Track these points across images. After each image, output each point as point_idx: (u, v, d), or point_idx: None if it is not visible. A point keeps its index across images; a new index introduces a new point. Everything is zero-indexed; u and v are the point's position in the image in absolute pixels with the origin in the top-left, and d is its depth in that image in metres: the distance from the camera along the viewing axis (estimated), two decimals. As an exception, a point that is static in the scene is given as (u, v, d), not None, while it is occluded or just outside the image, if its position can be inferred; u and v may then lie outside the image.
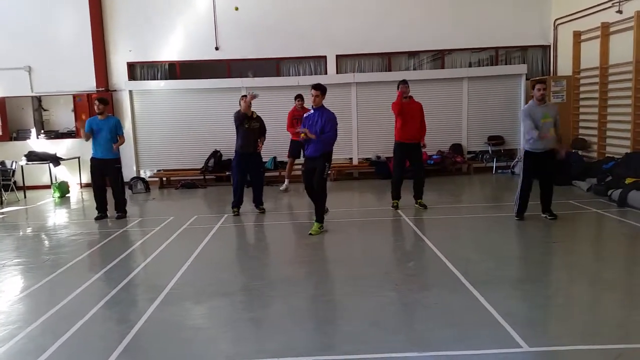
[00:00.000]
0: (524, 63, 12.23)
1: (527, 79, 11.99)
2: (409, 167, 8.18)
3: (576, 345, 3.51)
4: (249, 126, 8.13)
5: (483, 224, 7.35)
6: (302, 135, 6.78)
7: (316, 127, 6.77)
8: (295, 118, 9.69)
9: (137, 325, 4.07)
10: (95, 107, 8.22)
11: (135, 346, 3.75)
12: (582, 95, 10.97)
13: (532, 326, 3.81)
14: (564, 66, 11.56)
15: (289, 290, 4.83)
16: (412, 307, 4.36)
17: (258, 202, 8.43)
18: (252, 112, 8.18)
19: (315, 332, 3.95)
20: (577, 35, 10.82)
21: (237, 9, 11.67)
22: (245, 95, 8.16)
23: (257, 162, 8.43)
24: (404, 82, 7.90)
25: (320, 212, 6.97)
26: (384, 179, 11.10)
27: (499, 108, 12.16)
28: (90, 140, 8.23)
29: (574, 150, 10.47)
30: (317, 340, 3.80)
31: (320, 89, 6.84)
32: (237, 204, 8.23)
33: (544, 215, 7.13)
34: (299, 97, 10.14)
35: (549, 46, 12.20)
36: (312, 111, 6.99)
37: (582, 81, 10.96)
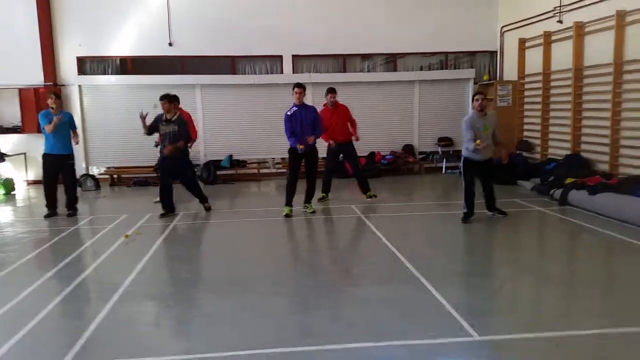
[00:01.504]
0: (472, 68, 12.72)
1: (475, 83, 12.50)
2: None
3: (522, 334, 3.75)
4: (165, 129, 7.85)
5: (434, 221, 7.65)
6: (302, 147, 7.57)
7: (308, 121, 7.69)
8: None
9: (93, 323, 4.03)
10: (51, 102, 7.98)
11: (93, 343, 3.72)
12: (526, 100, 11.52)
13: (481, 317, 4.03)
14: (510, 71, 12.11)
15: (245, 286, 4.89)
16: (368, 301, 4.51)
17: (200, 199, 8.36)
18: (172, 115, 7.86)
19: (273, 325, 4.02)
20: (522, 42, 11.36)
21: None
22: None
23: (177, 166, 7.98)
24: (331, 91, 8.46)
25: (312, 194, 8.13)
26: (339, 178, 11.29)
27: (449, 110, 12.59)
28: (42, 135, 8.02)
29: (518, 152, 10.99)
30: (276, 333, 3.87)
31: (304, 86, 7.91)
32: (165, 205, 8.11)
33: (492, 214, 7.43)
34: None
35: (496, 52, 12.74)
36: (295, 108, 7.71)
37: (526, 86, 11.51)
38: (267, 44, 12.16)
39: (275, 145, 11.69)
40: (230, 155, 11.99)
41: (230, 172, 11.83)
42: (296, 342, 3.72)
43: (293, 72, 12.36)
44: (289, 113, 7.75)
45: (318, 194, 8.53)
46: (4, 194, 10.54)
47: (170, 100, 7.83)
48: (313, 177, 8.04)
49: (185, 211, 8.40)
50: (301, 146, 7.54)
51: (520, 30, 11.51)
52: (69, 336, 3.83)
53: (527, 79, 11.46)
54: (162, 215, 7.95)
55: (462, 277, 5.05)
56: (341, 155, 8.84)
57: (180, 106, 8.51)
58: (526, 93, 11.53)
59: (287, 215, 7.71)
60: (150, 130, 7.97)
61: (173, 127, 7.78)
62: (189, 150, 8.45)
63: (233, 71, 12.35)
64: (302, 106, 7.77)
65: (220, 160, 11.95)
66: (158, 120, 7.91)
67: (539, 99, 10.77)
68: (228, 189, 10.83)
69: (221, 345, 3.65)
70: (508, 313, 4.23)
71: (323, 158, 11.68)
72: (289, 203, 7.87)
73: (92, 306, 4.44)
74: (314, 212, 7.94)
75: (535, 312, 4.28)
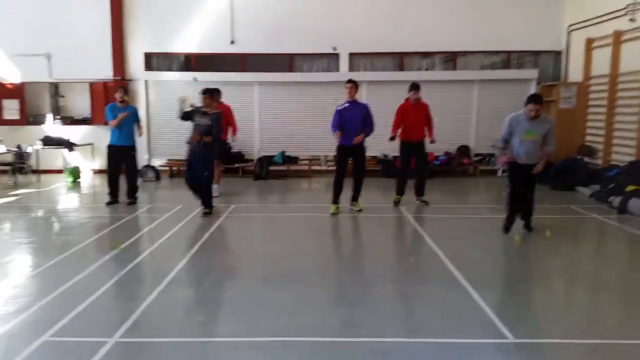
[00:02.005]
0: (536, 68, 12.29)
1: (538, 84, 12.07)
2: (413, 165, 8.47)
3: (559, 339, 3.67)
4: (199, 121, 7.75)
5: (484, 225, 7.47)
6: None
7: (357, 117, 7.72)
8: None
9: (145, 303, 4.29)
10: (119, 96, 8.47)
11: (143, 322, 3.96)
12: (591, 102, 11.02)
13: (520, 321, 3.96)
14: (575, 72, 11.61)
15: (293, 277, 5.03)
16: (407, 298, 4.53)
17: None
18: (210, 109, 7.79)
19: (315, 315, 4.13)
20: (589, 42, 10.87)
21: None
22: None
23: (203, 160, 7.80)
24: (415, 88, 8.28)
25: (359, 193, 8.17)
26: (389, 177, 11.26)
27: (509, 112, 12.04)
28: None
29: (579, 157, 10.54)
30: (317, 323, 3.97)
31: (355, 82, 7.95)
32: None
33: (522, 228, 6.61)
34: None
35: (561, 52, 12.25)
36: (347, 104, 7.77)
37: (592, 88, 11.00)
38: (324, 41, 12.28)
39: (328, 143, 11.76)
40: (283, 152, 12.21)
41: (282, 168, 12.05)
42: (336, 332, 3.81)
43: (349, 70, 12.41)
44: (339, 108, 7.82)
45: (382, 195, 8.57)
46: (71, 182, 11.24)
47: (212, 95, 7.89)
48: (360, 176, 8.06)
49: (237, 204, 8.67)
50: (338, 134, 7.62)
51: (588, 29, 11.01)
52: (121, 314, 4.10)
53: (592, 81, 10.95)
54: (205, 214, 7.73)
55: (506, 282, 4.97)
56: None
57: (222, 100, 8.80)
58: (591, 96, 11.01)
59: (334, 214, 7.78)
60: (185, 116, 7.83)
61: (206, 121, 7.64)
62: (230, 143, 8.70)
63: (290, 69, 12.55)
64: (353, 102, 7.81)
65: (273, 156, 12.20)
66: (196, 111, 7.79)
67: (605, 102, 10.28)
68: (279, 185, 11.05)
69: (265, 331, 3.80)
70: (548, 319, 4.13)
71: (373, 157, 11.69)
72: (335, 201, 7.94)
73: (144, 288, 4.71)
74: (360, 210, 7.97)
75: (577, 319, 4.15)
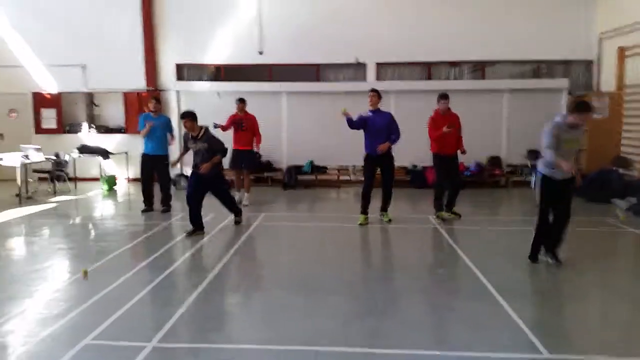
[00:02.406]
0: (567, 77, 12.13)
1: (569, 94, 11.92)
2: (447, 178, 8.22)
3: (596, 355, 3.62)
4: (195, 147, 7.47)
5: (516, 237, 7.40)
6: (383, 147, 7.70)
7: (380, 126, 7.74)
8: (235, 123, 9.46)
9: (181, 308, 4.40)
10: (152, 105, 8.73)
11: (180, 327, 4.06)
12: (625, 112, 10.82)
13: (554, 335, 3.92)
14: (607, 82, 11.43)
15: (322, 286, 5.08)
16: (437, 309, 4.53)
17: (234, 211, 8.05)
18: (197, 132, 7.42)
19: (343, 325, 4.16)
20: (622, 50, 10.70)
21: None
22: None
23: (210, 181, 7.51)
24: (444, 97, 8.09)
25: (389, 202, 8.17)
26: (419, 188, 11.26)
27: (540, 122, 11.93)
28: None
29: (614, 168, 10.34)
30: (345, 333, 4.01)
31: (378, 91, 7.96)
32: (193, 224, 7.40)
33: (547, 259, 5.85)
34: (240, 101, 9.59)
35: (592, 61, 12.06)
36: (370, 113, 7.81)
37: (626, 98, 10.81)
38: (351, 51, 12.37)
39: (356, 153, 11.79)
40: (312, 161, 12.31)
41: (310, 178, 12.14)
42: (364, 342, 3.83)
43: (377, 80, 12.46)
44: (363, 115, 7.86)
45: (411, 206, 8.55)
46: (107, 190, 11.55)
47: (193, 118, 7.29)
48: (389, 186, 8.04)
49: (267, 212, 8.79)
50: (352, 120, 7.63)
51: (620, 38, 10.85)
52: (158, 319, 4.21)
53: (627, 90, 10.76)
54: (189, 234, 7.18)
55: (538, 294, 4.91)
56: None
57: (246, 109, 9.27)
58: (625, 105, 10.82)
59: (362, 224, 7.79)
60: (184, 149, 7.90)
61: (202, 144, 7.30)
62: (257, 151, 9.15)
63: (317, 78, 12.68)
64: (376, 111, 7.83)
65: (301, 166, 12.31)
66: (186, 139, 7.59)
67: (638, 113, 10.08)
68: (308, 194, 11.14)
69: (296, 339, 3.87)
70: (584, 333, 4.07)
71: (402, 167, 11.65)
72: (364, 211, 7.95)
73: (179, 294, 4.82)
74: (390, 220, 7.99)
75: (613, 335, 4.06)
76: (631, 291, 5.12)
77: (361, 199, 7.99)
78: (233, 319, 4.37)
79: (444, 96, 8.09)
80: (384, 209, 8.13)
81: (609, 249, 6.76)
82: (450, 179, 8.13)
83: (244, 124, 9.34)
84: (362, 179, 12.28)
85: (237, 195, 9.40)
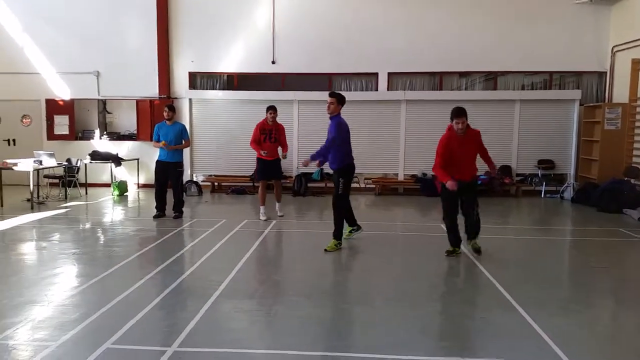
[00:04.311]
0: (579, 88, 12.13)
1: (580, 105, 11.91)
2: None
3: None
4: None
5: (530, 245, 7.38)
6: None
7: (329, 137, 6.67)
8: (264, 133, 8.69)
9: (197, 315, 4.39)
10: (165, 114, 8.79)
11: (196, 333, 4.05)
12: (637, 124, 10.78)
13: (577, 345, 3.89)
14: (620, 93, 11.40)
15: (336, 295, 5.07)
16: (458, 319, 4.50)
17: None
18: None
19: (360, 333, 4.16)
20: (635, 62, 10.68)
21: None
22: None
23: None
24: (458, 115, 5.98)
25: (337, 228, 6.84)
26: (428, 196, 11.25)
27: (551, 132, 12.09)
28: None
29: (626, 178, 10.29)
30: (362, 340, 3.99)
31: (337, 96, 6.73)
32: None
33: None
34: (272, 109, 8.77)
35: (605, 73, 12.06)
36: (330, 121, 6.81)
37: (638, 109, 10.78)
38: (363, 61, 12.43)
39: (365, 162, 11.83)
40: (322, 169, 12.28)
41: (320, 185, 12.15)
42: (383, 350, 3.80)
43: (388, 89, 12.50)
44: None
45: (422, 214, 8.46)
46: (118, 195, 11.61)
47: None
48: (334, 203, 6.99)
49: (278, 219, 8.80)
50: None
51: (634, 50, 10.84)
52: (177, 323, 4.21)
53: (639, 102, 10.73)
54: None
55: (557, 303, 4.86)
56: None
57: (277, 120, 8.86)
58: (638, 117, 10.79)
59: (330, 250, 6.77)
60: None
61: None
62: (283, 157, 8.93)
63: (329, 87, 12.72)
64: (332, 118, 6.77)
65: (311, 173, 12.31)
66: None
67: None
68: (318, 201, 11.15)
69: (313, 345, 3.85)
70: (606, 343, 4.03)
71: (412, 176, 11.49)
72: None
73: (196, 300, 4.80)
74: (327, 251, 6.79)
75: (633, 344, 4.03)
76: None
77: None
78: (248, 325, 4.35)
79: (459, 112, 5.94)
80: (334, 235, 6.88)
81: (622, 258, 6.70)
82: (463, 212, 6.40)
83: (274, 134, 8.75)
84: (372, 186, 12.43)
85: (261, 211, 8.89)
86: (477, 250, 6.40)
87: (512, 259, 6.60)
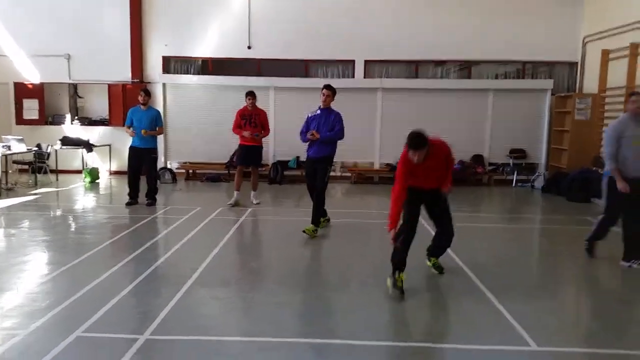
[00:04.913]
0: (551, 78, 12.34)
1: (552, 95, 12.14)
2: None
3: (583, 348, 3.73)
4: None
5: (500, 234, 7.54)
6: (311, 136, 6.93)
7: (325, 127, 6.88)
8: (245, 118, 8.71)
9: (171, 302, 4.38)
10: (141, 98, 8.63)
11: (170, 320, 4.04)
12: (606, 114, 11.03)
13: (542, 329, 4.01)
14: (590, 84, 11.65)
15: (311, 280, 5.12)
16: (429, 305, 4.59)
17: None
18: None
19: (336, 319, 4.21)
20: (605, 53, 10.90)
21: None
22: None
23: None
24: (416, 146, 4.51)
25: (318, 215, 6.96)
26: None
27: (523, 122, 12.29)
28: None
29: (594, 168, 10.56)
30: (338, 326, 4.05)
31: (332, 90, 6.98)
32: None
33: (629, 263, 5.68)
34: (250, 95, 8.73)
35: (576, 63, 12.29)
36: (318, 111, 7.05)
37: (607, 100, 11.03)
38: (340, 48, 12.40)
39: (341, 149, 11.76)
40: (298, 157, 12.30)
41: (296, 173, 12.14)
42: (361, 335, 3.85)
43: (364, 77, 12.51)
44: (310, 115, 7.17)
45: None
46: (89, 182, 11.40)
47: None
48: (319, 194, 7.07)
49: (253, 207, 8.78)
50: (311, 136, 6.90)
51: (604, 41, 11.06)
52: (150, 311, 4.19)
53: (608, 93, 10.98)
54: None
55: (525, 289, 4.99)
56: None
57: (256, 104, 8.82)
58: (607, 107, 11.03)
59: (308, 233, 6.86)
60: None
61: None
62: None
63: (306, 74, 12.68)
64: (326, 110, 7.01)
65: (287, 161, 12.30)
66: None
67: (621, 114, 10.26)
68: (294, 189, 11.15)
69: (288, 331, 3.90)
70: (570, 327, 4.18)
71: (387, 164, 11.55)
72: (313, 220, 6.99)
73: (169, 287, 4.78)
74: (314, 237, 6.90)
75: (600, 329, 4.18)
76: (610, 284, 5.27)
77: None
78: (224, 312, 4.36)
79: (416, 146, 4.49)
80: (313, 221, 6.94)
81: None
82: (435, 222, 5.31)
83: (254, 120, 8.71)
84: (348, 174, 12.47)
85: (234, 196, 8.96)
86: (441, 269, 5.41)
87: (483, 247, 6.73)
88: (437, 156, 4.76)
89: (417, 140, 4.47)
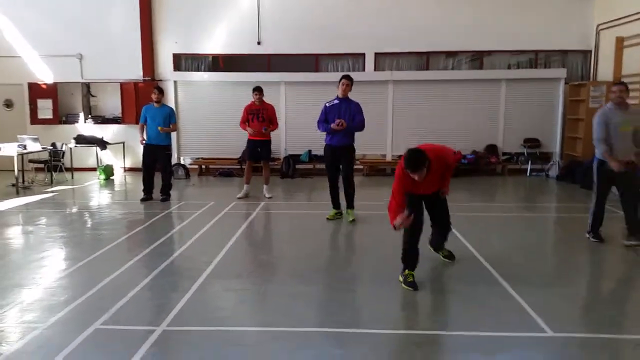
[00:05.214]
0: (564, 67, 12.19)
1: (566, 83, 11.99)
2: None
3: (599, 334, 3.70)
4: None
5: (515, 223, 7.49)
6: (338, 127, 6.98)
7: (346, 116, 7.05)
8: (252, 113, 8.77)
9: (187, 295, 4.43)
10: (154, 96, 8.70)
11: (186, 312, 4.08)
12: (621, 101, 10.88)
13: (558, 315, 3.99)
14: (605, 72, 11.49)
15: (324, 272, 5.13)
16: (444, 294, 4.58)
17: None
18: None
19: (351, 309, 4.22)
20: (619, 41, 10.74)
21: None
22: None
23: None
24: (414, 169, 4.27)
25: (353, 198, 7.30)
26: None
27: (537, 111, 12.17)
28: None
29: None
30: (353, 316, 4.06)
31: (352, 80, 7.20)
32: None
33: (630, 242, 5.95)
34: (257, 90, 8.75)
35: (590, 51, 12.12)
36: (336, 101, 7.22)
37: (622, 87, 10.86)
38: (349, 41, 12.36)
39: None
40: (309, 150, 12.31)
41: (308, 167, 12.15)
42: (373, 325, 3.86)
43: (375, 70, 12.46)
44: (327, 104, 7.31)
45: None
46: (104, 179, 11.53)
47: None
48: (349, 180, 7.28)
49: (266, 201, 8.81)
50: (338, 126, 6.94)
51: (618, 28, 10.90)
52: (166, 304, 4.24)
53: (623, 80, 10.81)
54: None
55: (540, 277, 4.96)
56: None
57: (264, 99, 8.83)
58: (622, 94, 10.88)
59: (330, 219, 7.35)
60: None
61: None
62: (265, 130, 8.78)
63: (316, 69, 12.66)
64: (344, 99, 7.21)
65: (299, 155, 12.32)
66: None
67: (636, 102, 10.14)
68: (306, 183, 11.18)
69: (303, 322, 3.91)
70: (586, 313, 4.18)
71: (399, 157, 11.59)
72: (334, 205, 7.46)
73: (185, 280, 4.82)
74: (353, 220, 7.26)
75: (615, 314, 4.14)
76: (625, 271, 5.25)
77: (330, 195, 7.41)
78: (238, 303, 4.40)
79: (414, 168, 4.25)
80: (349, 206, 7.34)
81: (606, 232, 6.81)
82: (432, 218, 5.11)
83: (261, 114, 8.71)
84: (360, 167, 12.43)
85: (244, 189, 9.15)
86: (451, 256, 5.44)
87: (497, 236, 6.69)
88: (437, 170, 4.54)
89: (415, 161, 4.21)
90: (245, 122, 8.82)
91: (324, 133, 7.31)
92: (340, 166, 7.27)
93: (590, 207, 6.25)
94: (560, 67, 12.28)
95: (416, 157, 4.22)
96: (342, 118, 7.02)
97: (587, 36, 12.05)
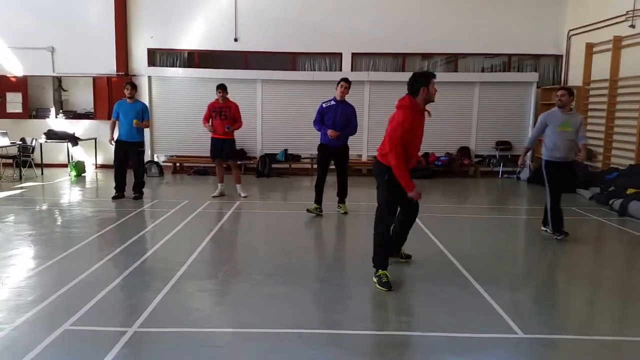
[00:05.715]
0: (536, 71, 12.45)
1: (538, 87, 12.25)
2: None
3: (568, 335, 3.80)
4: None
5: (486, 224, 7.62)
6: (333, 136, 7.37)
7: (342, 118, 7.42)
8: (215, 111, 8.77)
9: (159, 295, 4.37)
10: (127, 91, 8.55)
11: (158, 312, 4.03)
12: (590, 106, 11.17)
13: (528, 317, 4.08)
14: (575, 76, 11.77)
15: (299, 272, 5.12)
16: (417, 295, 4.64)
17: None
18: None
19: (325, 309, 4.24)
20: (589, 46, 11.03)
21: None
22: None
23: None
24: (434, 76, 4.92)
25: (346, 191, 7.81)
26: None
27: (509, 114, 12.40)
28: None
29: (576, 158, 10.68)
30: (327, 316, 4.08)
31: (350, 83, 7.53)
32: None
33: (545, 229, 6.70)
34: (221, 88, 8.77)
35: (561, 56, 12.41)
36: (332, 102, 7.49)
37: (591, 92, 11.16)
38: (327, 41, 12.38)
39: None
40: (286, 150, 12.30)
41: (284, 166, 12.14)
42: (348, 325, 3.89)
43: (352, 70, 12.51)
44: (324, 105, 7.55)
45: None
46: (75, 176, 11.29)
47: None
48: (344, 177, 7.80)
49: (241, 200, 8.77)
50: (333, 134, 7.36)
51: (588, 34, 11.19)
52: (138, 304, 4.18)
53: (592, 85, 11.12)
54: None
55: (511, 278, 5.07)
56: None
57: (227, 97, 8.80)
58: (590, 99, 11.18)
59: (310, 212, 7.62)
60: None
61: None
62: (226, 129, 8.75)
63: (293, 67, 12.64)
64: (341, 102, 7.49)
65: (275, 154, 12.29)
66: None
67: (604, 106, 10.44)
68: (282, 182, 11.15)
69: (277, 322, 3.91)
70: (556, 315, 4.25)
71: (374, 157, 11.66)
72: (317, 201, 7.67)
73: (157, 280, 4.76)
74: (346, 213, 7.76)
75: (584, 316, 4.28)
76: (595, 274, 5.39)
77: (315, 190, 7.68)
78: (212, 304, 4.37)
79: (432, 73, 4.88)
80: (341, 200, 7.87)
81: (573, 236, 6.98)
82: (402, 207, 5.11)
83: (224, 112, 8.72)
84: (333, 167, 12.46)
85: (218, 188, 9.12)
86: (409, 256, 5.52)
87: (469, 237, 6.81)
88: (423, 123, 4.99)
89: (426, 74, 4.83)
90: (207, 119, 8.83)
91: (315, 132, 7.80)
92: (337, 164, 7.74)
93: (547, 204, 6.58)
94: (532, 70, 12.54)
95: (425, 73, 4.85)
96: (339, 119, 7.40)
97: (559, 41, 12.33)
